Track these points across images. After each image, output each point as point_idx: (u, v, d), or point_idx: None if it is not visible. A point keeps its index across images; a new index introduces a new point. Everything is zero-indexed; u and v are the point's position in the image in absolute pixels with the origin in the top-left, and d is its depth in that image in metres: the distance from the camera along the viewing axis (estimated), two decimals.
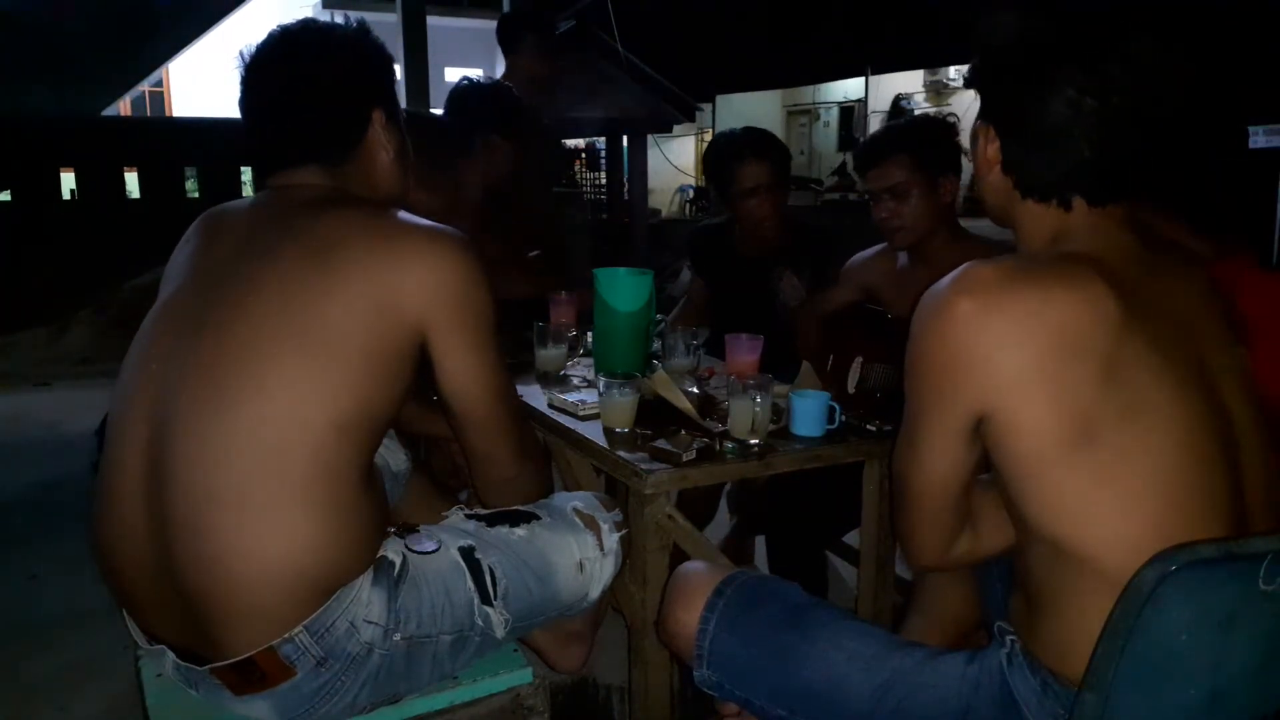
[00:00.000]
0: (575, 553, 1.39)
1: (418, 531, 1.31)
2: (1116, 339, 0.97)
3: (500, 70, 3.49)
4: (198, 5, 8.82)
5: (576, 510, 1.44)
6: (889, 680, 1.14)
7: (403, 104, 1.48)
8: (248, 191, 6.76)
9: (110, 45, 7.94)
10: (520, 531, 1.36)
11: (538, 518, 1.40)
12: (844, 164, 13.77)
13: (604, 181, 10.69)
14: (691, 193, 15.65)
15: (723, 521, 2.67)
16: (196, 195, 6.94)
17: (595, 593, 1.42)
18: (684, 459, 1.51)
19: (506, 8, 6.78)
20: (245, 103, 1.31)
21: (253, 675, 1.14)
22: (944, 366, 1.02)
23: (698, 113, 13.10)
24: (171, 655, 1.21)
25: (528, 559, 1.34)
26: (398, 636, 1.20)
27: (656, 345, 2.14)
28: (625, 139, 9.87)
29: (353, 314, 1.17)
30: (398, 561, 1.22)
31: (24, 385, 5.02)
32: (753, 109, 14.36)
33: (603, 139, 10.45)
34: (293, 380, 1.14)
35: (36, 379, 5.14)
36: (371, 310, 1.18)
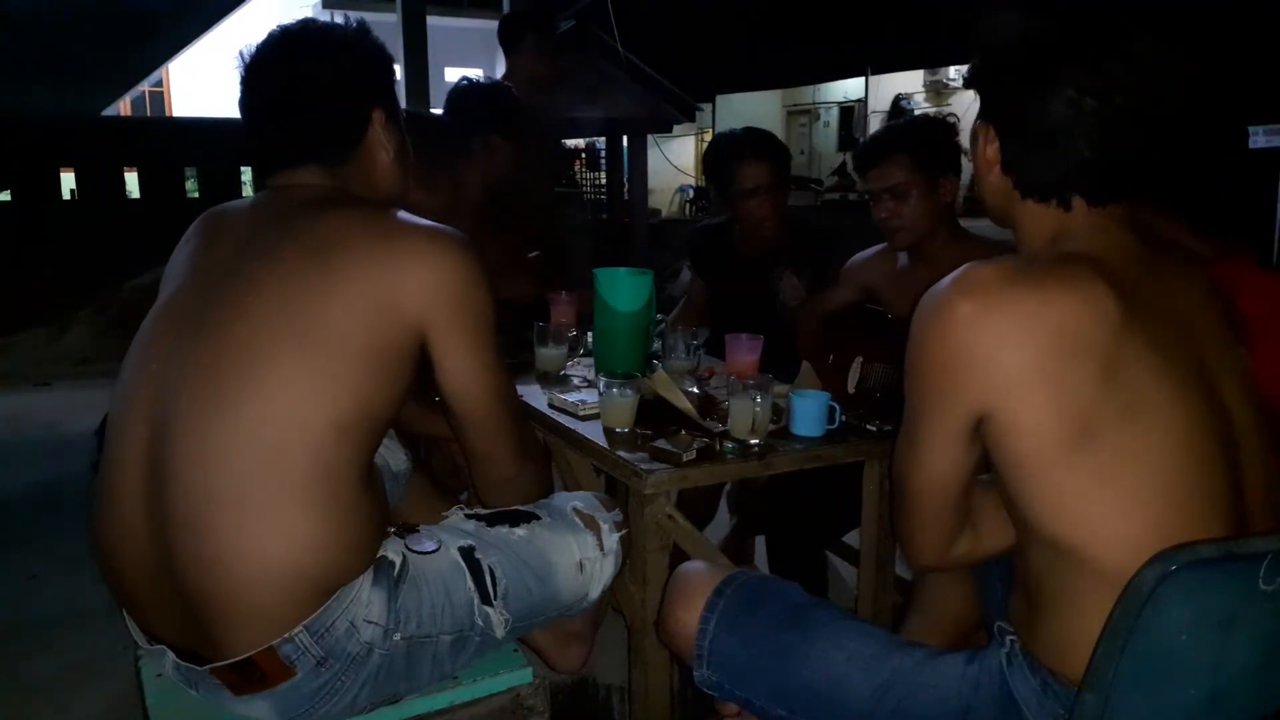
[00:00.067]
0: (575, 553, 1.39)
1: (418, 531, 1.31)
2: (1116, 339, 0.97)
3: (500, 70, 3.49)
4: (198, 5, 8.82)
5: (576, 510, 1.44)
6: (889, 680, 1.14)
7: (403, 104, 1.48)
8: (248, 191, 6.76)
9: (110, 45, 7.94)
10: (520, 531, 1.36)
11: (538, 518, 1.40)
12: (844, 164, 13.77)
13: (604, 181, 10.67)
14: (691, 193, 15.65)
15: (723, 521, 2.67)
16: (196, 195, 6.94)
17: (595, 593, 1.42)
18: (684, 459, 1.51)
19: (507, 8, 6.78)
20: (245, 103, 1.31)
21: (253, 675, 1.14)
22: (944, 367, 1.02)
23: (698, 113, 13.09)
24: (171, 655, 1.21)
25: (528, 559, 1.34)
26: (398, 636, 1.20)
27: (656, 345, 2.14)
28: (625, 139, 9.87)
29: (353, 314, 1.17)
30: (398, 561, 1.22)
31: (24, 385, 5.01)
32: (753, 109, 14.36)
33: (603, 139, 10.44)
34: (293, 380, 1.14)
35: (36, 379, 5.14)
36: (371, 310, 1.18)
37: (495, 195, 2.65)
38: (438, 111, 2.94)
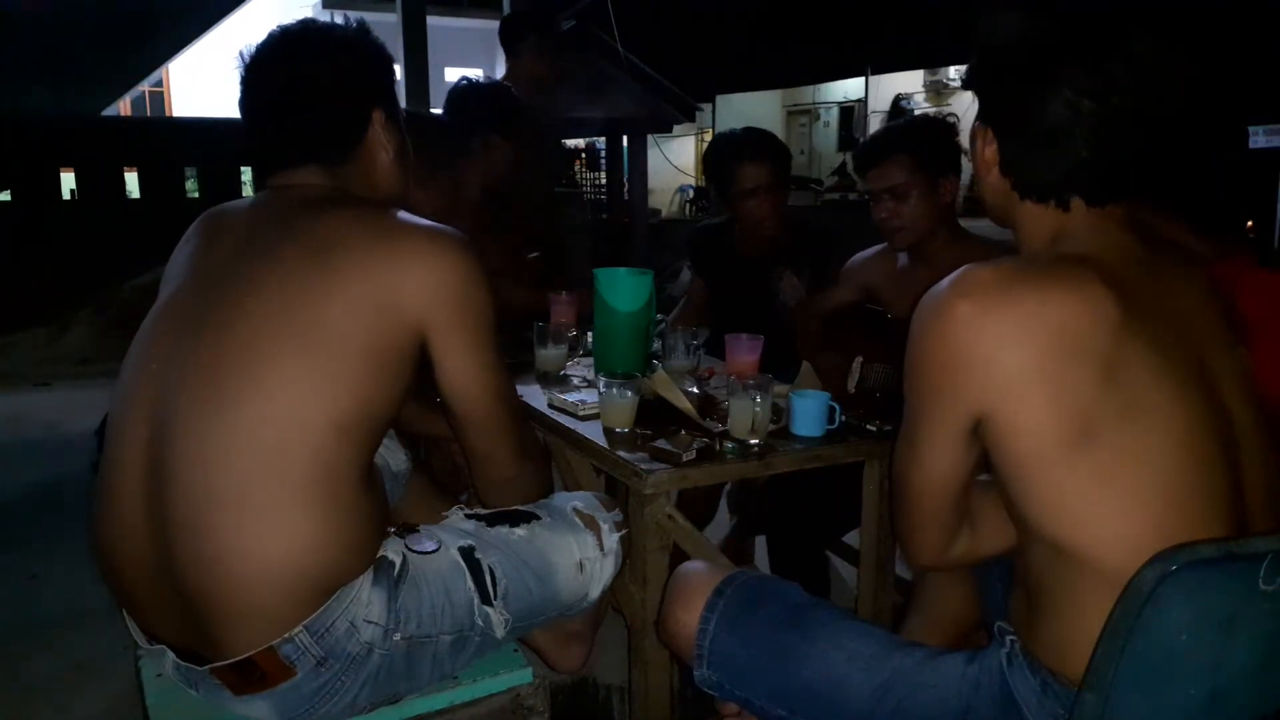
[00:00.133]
0: (575, 553, 1.39)
1: (418, 531, 1.31)
2: (1115, 339, 0.96)
3: (500, 70, 3.50)
4: (198, 5, 8.82)
5: (576, 510, 1.44)
6: (889, 680, 1.14)
7: (403, 104, 1.48)
8: (248, 191, 6.76)
9: (110, 45, 7.93)
10: (520, 531, 1.36)
11: (538, 518, 1.40)
12: (844, 164, 13.77)
13: (604, 181, 10.68)
14: (691, 193, 15.66)
15: (723, 521, 2.67)
16: (196, 195, 6.94)
17: (595, 593, 1.42)
18: (684, 459, 1.51)
19: (507, 8, 6.78)
20: (245, 103, 1.31)
21: (253, 675, 1.14)
22: (943, 367, 1.02)
23: (698, 113, 13.10)
24: (171, 655, 1.21)
25: (528, 559, 1.34)
26: (398, 636, 1.20)
27: (656, 345, 2.14)
28: (625, 139, 9.87)
29: (353, 314, 1.17)
30: (398, 561, 1.22)
31: (24, 385, 5.01)
32: (753, 109, 14.37)
33: (603, 139, 10.45)
34: (293, 380, 1.14)
35: (36, 379, 5.14)
36: (372, 310, 1.18)
37: (495, 195, 2.65)
38: (438, 111, 2.94)
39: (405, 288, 1.20)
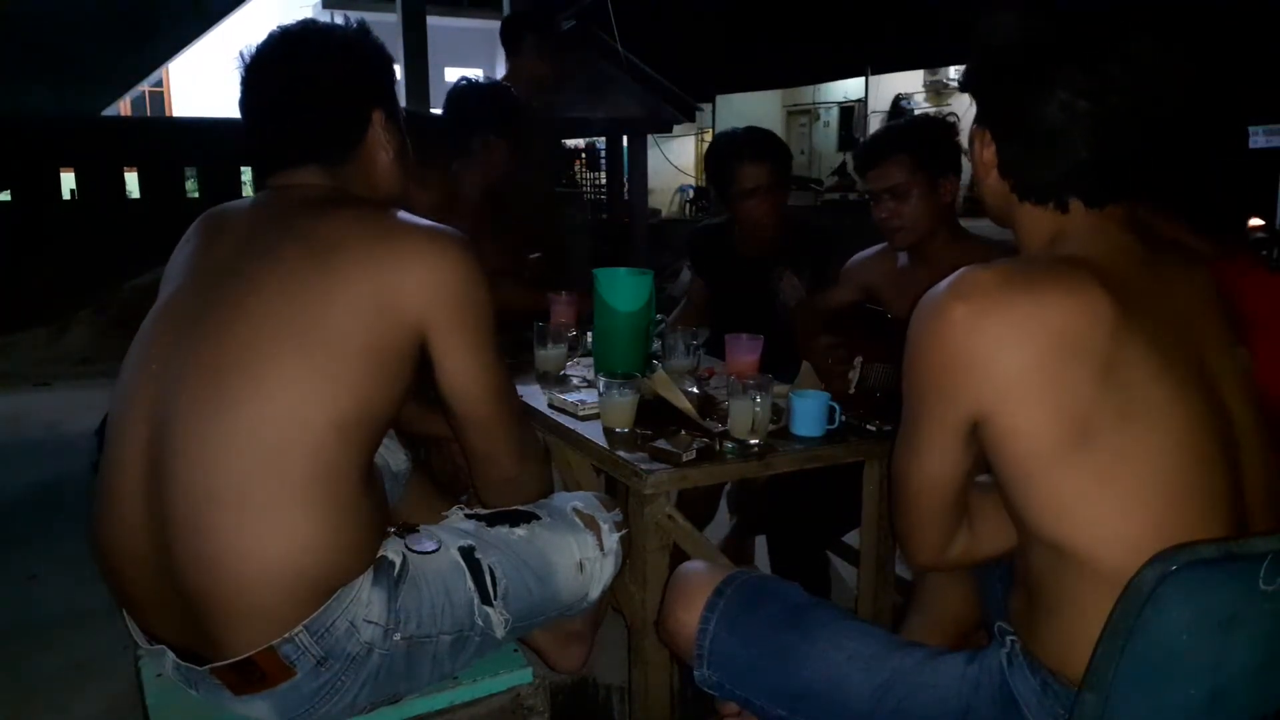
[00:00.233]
0: (575, 553, 1.39)
1: (418, 531, 1.31)
2: (1114, 340, 0.96)
3: (501, 70, 3.50)
4: (198, 5, 8.82)
5: (576, 510, 1.44)
6: (889, 680, 1.14)
7: (403, 104, 1.48)
8: (248, 191, 6.76)
9: (110, 45, 7.93)
10: (520, 531, 1.36)
11: (538, 518, 1.40)
12: (844, 164, 13.78)
13: (604, 181, 10.67)
14: (691, 193, 15.66)
15: (723, 521, 2.67)
16: (196, 195, 6.94)
17: (595, 593, 1.43)
18: (684, 459, 1.51)
19: (507, 8, 6.78)
20: (245, 103, 1.31)
21: (253, 675, 1.14)
22: (942, 369, 1.02)
23: (698, 113, 13.11)
24: (171, 655, 1.21)
25: (528, 559, 1.34)
26: (398, 636, 1.20)
27: (656, 345, 2.14)
28: (625, 139, 9.87)
29: (353, 314, 1.17)
30: (398, 561, 1.22)
31: (24, 385, 5.01)
32: (753, 109, 14.37)
33: (603, 139, 10.45)
34: (293, 380, 1.14)
35: (36, 379, 5.13)
36: (372, 310, 1.18)
37: (495, 195, 2.65)
38: (437, 111, 2.94)
39: (405, 288, 1.20)
